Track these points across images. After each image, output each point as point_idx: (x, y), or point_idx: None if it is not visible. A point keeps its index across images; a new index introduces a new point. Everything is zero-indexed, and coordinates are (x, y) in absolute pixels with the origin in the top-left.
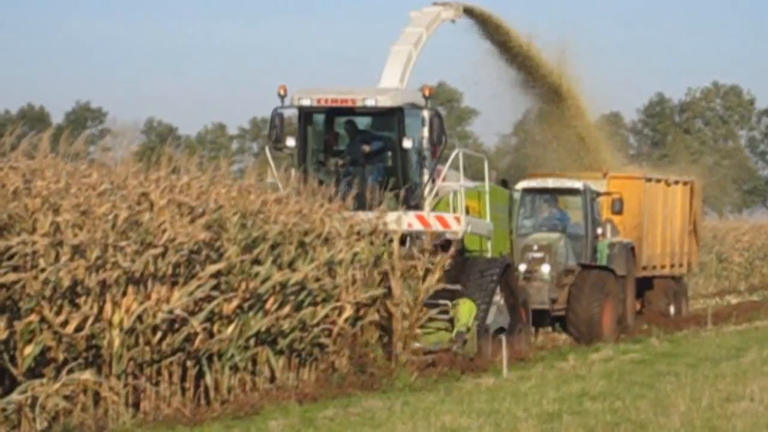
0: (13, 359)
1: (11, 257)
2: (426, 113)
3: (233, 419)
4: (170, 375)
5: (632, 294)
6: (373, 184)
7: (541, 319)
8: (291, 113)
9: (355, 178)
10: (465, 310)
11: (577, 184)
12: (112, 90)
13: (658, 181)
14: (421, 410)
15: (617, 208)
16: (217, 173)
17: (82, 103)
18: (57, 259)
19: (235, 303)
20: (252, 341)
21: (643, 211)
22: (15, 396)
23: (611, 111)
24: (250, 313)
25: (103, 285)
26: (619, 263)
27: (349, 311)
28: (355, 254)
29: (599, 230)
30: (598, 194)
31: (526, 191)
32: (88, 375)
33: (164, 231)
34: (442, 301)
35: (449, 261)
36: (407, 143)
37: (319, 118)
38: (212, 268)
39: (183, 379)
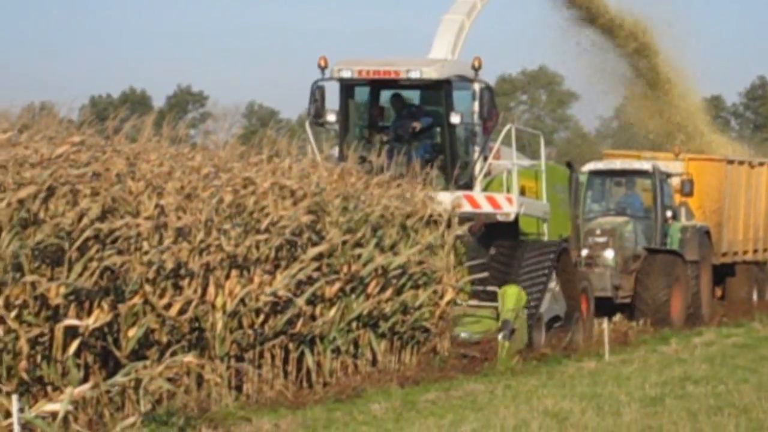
0: (117, 342)
1: (115, 240)
2: (476, 86)
3: (335, 402)
4: (272, 358)
5: (708, 280)
6: (420, 161)
7: (606, 307)
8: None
9: (400, 156)
10: (512, 297)
11: (646, 166)
12: (214, 73)
13: (741, 163)
14: (522, 394)
15: (687, 190)
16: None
17: (183, 86)
18: (161, 242)
19: (337, 286)
20: (354, 324)
21: (723, 194)
22: (119, 378)
23: (712, 94)
24: (352, 296)
25: (207, 268)
26: (690, 248)
27: (450, 294)
28: (457, 237)
29: (668, 213)
30: (669, 176)
31: (594, 173)
32: (191, 357)
33: (267, 214)
34: (489, 288)
35: (497, 245)
36: (455, 118)
37: (362, 91)
38: (314, 251)
39: (285, 362)
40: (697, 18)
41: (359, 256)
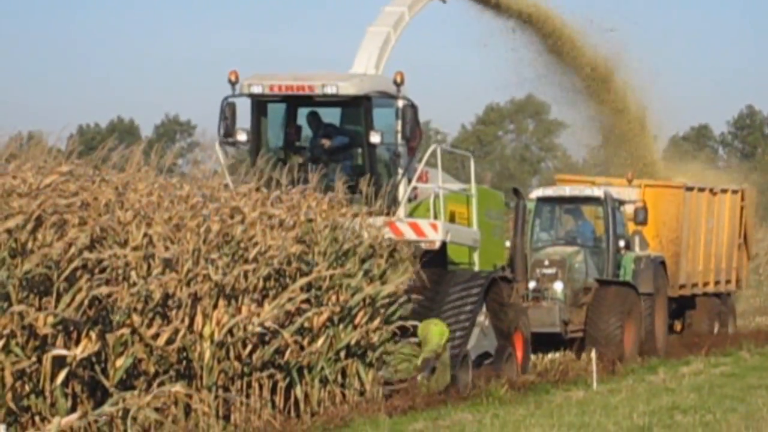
0: (104, 371)
1: (103, 270)
2: (398, 103)
3: (323, 431)
4: (260, 387)
5: (663, 313)
6: (335, 184)
7: (552, 342)
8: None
9: (314, 178)
10: (434, 333)
11: (597, 192)
12: (201, 102)
13: (702, 190)
14: (510, 423)
15: (641, 218)
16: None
17: (171, 116)
18: (149, 272)
19: (325, 316)
20: (342, 354)
21: (682, 223)
22: (107, 408)
23: (700, 123)
24: (340, 326)
25: (194, 297)
26: (644, 279)
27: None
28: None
29: (621, 243)
30: (622, 203)
31: (542, 200)
32: (179, 387)
33: (255, 244)
34: (411, 323)
35: (418, 274)
36: (375, 137)
37: (276, 108)
38: (303, 281)
39: (273, 391)
40: (683, 47)
41: (348, 285)
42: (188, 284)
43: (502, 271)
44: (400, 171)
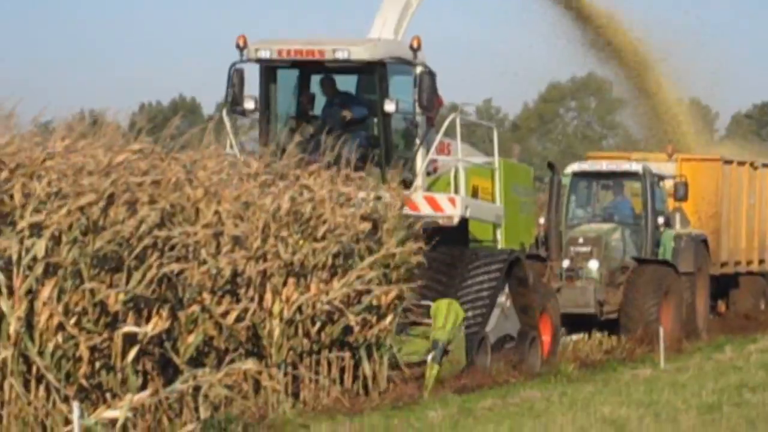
0: (175, 348)
1: (173, 248)
2: (415, 70)
3: (392, 409)
4: (329, 365)
5: (705, 293)
6: (350, 155)
7: (588, 324)
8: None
9: (327, 148)
10: (445, 313)
11: (636, 167)
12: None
13: (741, 164)
14: (579, 401)
15: (681, 193)
16: None
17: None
18: (218, 249)
19: (393, 294)
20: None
21: (721, 198)
22: (178, 385)
23: (763, 101)
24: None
25: (264, 275)
26: (685, 258)
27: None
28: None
29: (660, 220)
30: (661, 178)
31: (578, 175)
32: (249, 364)
33: (324, 222)
34: (424, 302)
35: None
36: (389, 106)
37: (287, 74)
38: (371, 259)
39: (342, 370)
40: (746, 20)
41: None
42: (257, 262)
43: (528, 249)
44: (418, 142)
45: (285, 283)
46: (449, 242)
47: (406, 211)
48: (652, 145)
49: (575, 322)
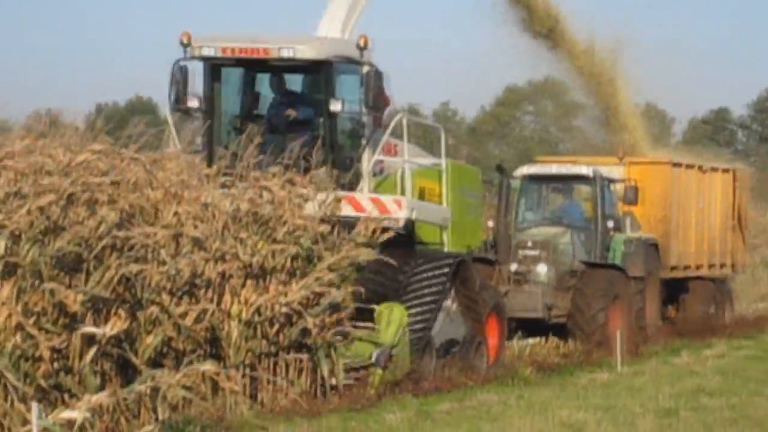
0: (134, 349)
1: (132, 248)
2: (362, 69)
3: (350, 411)
4: (287, 367)
5: (655, 298)
6: (294, 156)
7: (536, 328)
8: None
9: (272, 150)
10: (390, 317)
11: (586, 170)
12: None
13: (690, 167)
14: (537, 404)
15: (631, 197)
16: None
17: None
18: (177, 250)
19: (350, 296)
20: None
21: (670, 202)
22: (136, 386)
23: (719, 106)
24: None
25: (223, 277)
26: (635, 262)
27: None
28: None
29: (610, 224)
30: (611, 182)
31: (528, 178)
32: (208, 365)
33: (284, 223)
34: (369, 305)
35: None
36: (335, 106)
37: (232, 73)
38: (330, 261)
39: (300, 371)
40: (702, 29)
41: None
42: (216, 263)
43: (476, 252)
44: (364, 142)
45: (244, 285)
46: (395, 245)
47: (349, 212)
48: (609, 149)
49: (524, 326)
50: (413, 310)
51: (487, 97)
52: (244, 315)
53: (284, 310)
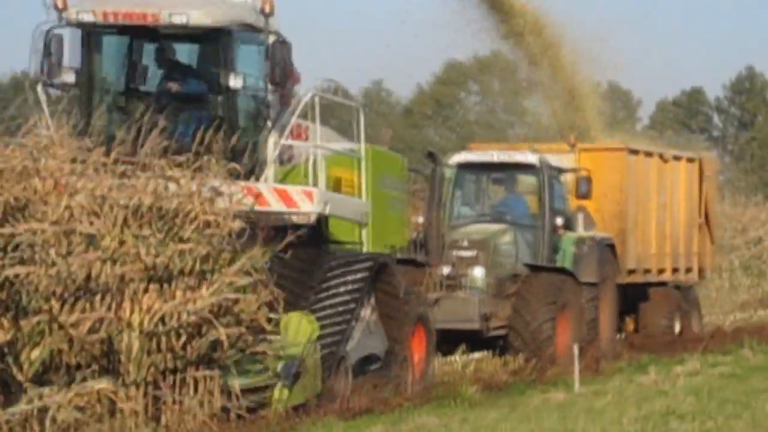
0: (18, 363)
1: (17, 247)
2: (266, 39)
3: None
4: (195, 384)
5: (611, 308)
6: (185, 139)
7: (473, 341)
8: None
9: (163, 130)
10: (297, 328)
11: (531, 158)
12: None
13: (649, 155)
14: (483, 428)
15: (583, 190)
16: None
17: None
18: (69, 250)
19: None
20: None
21: (627, 194)
22: (21, 406)
23: (693, 87)
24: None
25: (121, 280)
26: (588, 266)
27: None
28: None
29: (559, 221)
30: (561, 172)
31: (463, 167)
32: (104, 383)
33: (193, 220)
34: (272, 314)
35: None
36: (234, 81)
37: (114, 42)
38: (243, 262)
39: (210, 389)
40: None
41: None
42: (114, 265)
43: (401, 252)
44: (269, 124)
45: (146, 290)
46: (304, 244)
47: (254, 207)
48: (565, 136)
49: (457, 340)
50: (325, 321)
51: (425, 74)
52: (145, 324)
53: (192, 319)
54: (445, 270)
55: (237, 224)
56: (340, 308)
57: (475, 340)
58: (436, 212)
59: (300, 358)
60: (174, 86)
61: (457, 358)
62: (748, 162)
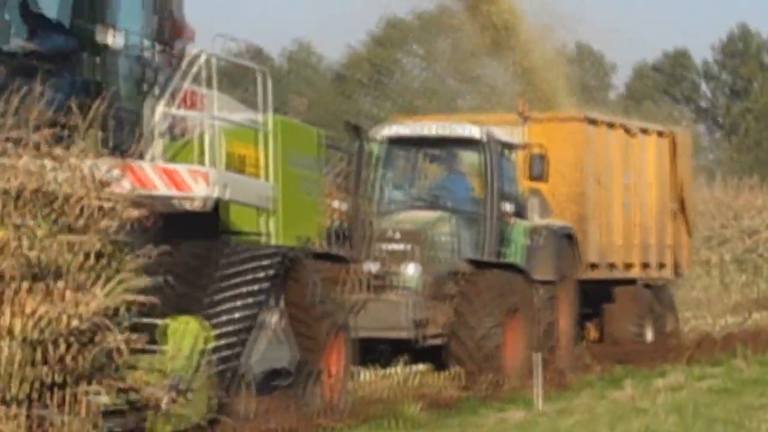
0: None
1: None
2: None
3: None
4: (88, 402)
5: (571, 310)
6: (56, 108)
7: (406, 352)
8: None
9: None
10: (186, 338)
11: (474, 132)
12: None
13: (612, 126)
14: None
15: (537, 170)
16: None
17: None
18: None
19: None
20: None
21: (586, 174)
22: None
23: (676, 48)
24: None
25: (0, 280)
26: (542, 261)
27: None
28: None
29: (508, 206)
30: (510, 148)
31: (394, 142)
32: None
33: (83, 208)
34: (149, 320)
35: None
36: (113, 38)
37: None
38: (143, 259)
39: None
40: None
41: None
42: None
43: (316, 245)
44: (155, 90)
45: (30, 291)
46: (195, 234)
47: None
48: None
49: (393, 349)
50: (221, 329)
51: (359, 34)
52: (29, 331)
53: (84, 325)
54: (372, 267)
55: (137, 213)
56: (240, 313)
57: (414, 351)
58: (359, 197)
59: (187, 372)
60: (40, 45)
61: (398, 371)
62: (741, 137)
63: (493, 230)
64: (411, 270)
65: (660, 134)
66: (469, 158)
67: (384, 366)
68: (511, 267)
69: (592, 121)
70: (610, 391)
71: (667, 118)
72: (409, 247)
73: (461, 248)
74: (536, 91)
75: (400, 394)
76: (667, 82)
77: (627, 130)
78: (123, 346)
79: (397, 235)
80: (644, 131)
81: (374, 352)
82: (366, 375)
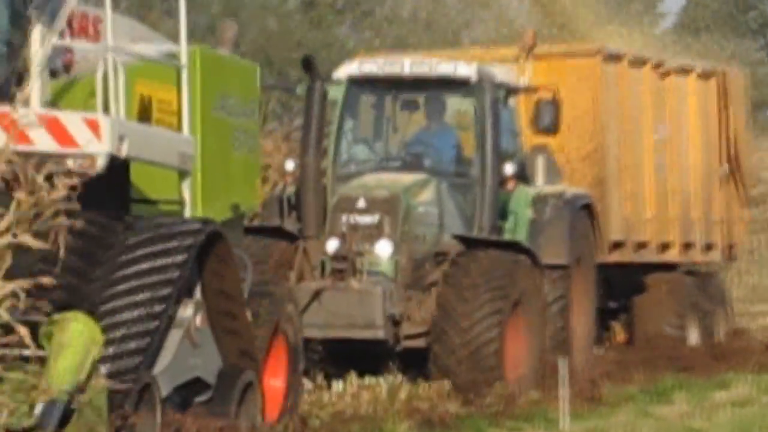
0: None
1: None
2: None
3: None
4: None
5: (588, 304)
6: None
7: (376, 357)
8: None
9: None
10: (72, 340)
11: (462, 69)
12: None
13: (638, 63)
14: None
15: (547, 120)
16: None
17: None
18: None
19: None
20: None
21: (605, 125)
22: None
23: None
24: None
25: None
26: (552, 239)
27: None
28: None
29: (509, 168)
30: (512, 92)
31: (359, 84)
32: None
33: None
34: (34, 317)
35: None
36: None
37: None
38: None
39: None
40: None
41: None
42: None
43: (253, 217)
44: (33, 13)
45: None
46: (90, 204)
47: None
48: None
49: (350, 354)
50: (117, 332)
51: None
52: None
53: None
54: (330, 245)
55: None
56: (144, 308)
57: (396, 355)
58: (314, 154)
59: (73, 385)
60: None
61: (381, 381)
62: None
63: (488, 199)
64: (382, 249)
65: (704, 75)
66: (457, 105)
67: (361, 374)
68: (511, 246)
69: (613, 57)
70: (655, 406)
71: (730, 56)
72: (378, 219)
73: (447, 222)
74: (561, 17)
75: (385, 410)
76: (729, 11)
77: (659, 68)
78: (30, 345)
79: (364, 205)
80: (684, 70)
81: (348, 356)
82: (340, 386)
